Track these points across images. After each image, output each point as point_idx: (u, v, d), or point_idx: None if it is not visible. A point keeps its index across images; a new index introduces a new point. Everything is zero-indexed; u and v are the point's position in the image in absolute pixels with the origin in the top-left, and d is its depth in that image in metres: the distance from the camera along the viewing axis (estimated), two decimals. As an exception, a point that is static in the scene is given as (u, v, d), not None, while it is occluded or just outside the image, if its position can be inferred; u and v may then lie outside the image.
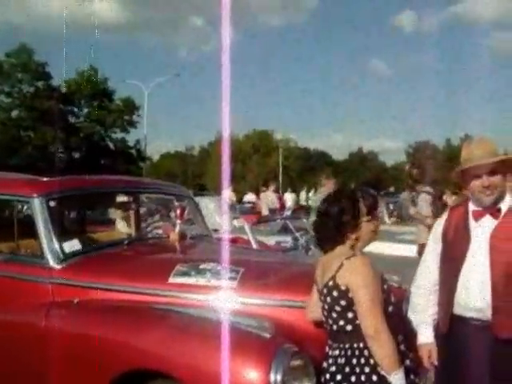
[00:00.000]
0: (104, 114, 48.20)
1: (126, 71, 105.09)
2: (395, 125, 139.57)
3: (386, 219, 13.97)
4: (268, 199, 22.49)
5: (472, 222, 3.31)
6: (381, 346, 2.82)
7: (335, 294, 2.95)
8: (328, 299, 3.00)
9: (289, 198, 26.85)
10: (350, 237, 3.06)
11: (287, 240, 9.16)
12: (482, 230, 3.25)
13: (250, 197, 27.05)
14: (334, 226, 3.06)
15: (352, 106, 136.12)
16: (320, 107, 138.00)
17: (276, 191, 24.49)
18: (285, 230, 10.06)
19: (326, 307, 3.04)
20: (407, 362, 3.04)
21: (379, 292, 2.92)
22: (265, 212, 20.48)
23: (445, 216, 3.54)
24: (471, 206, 3.36)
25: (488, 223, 3.25)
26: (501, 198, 3.26)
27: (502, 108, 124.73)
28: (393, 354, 2.83)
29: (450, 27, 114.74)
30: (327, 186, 10.30)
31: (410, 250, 8.84)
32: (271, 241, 9.07)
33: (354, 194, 3.14)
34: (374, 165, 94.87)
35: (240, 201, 27.25)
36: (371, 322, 2.84)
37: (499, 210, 3.25)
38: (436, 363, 3.42)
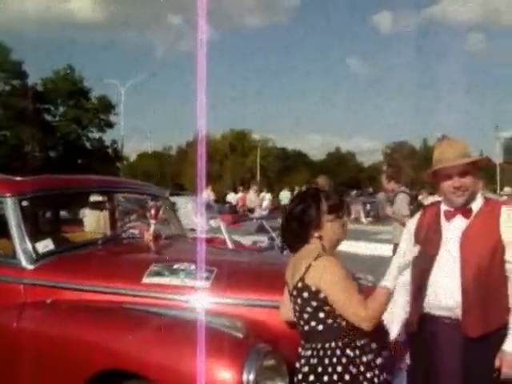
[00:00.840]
0: (80, 113, 47.82)
1: (102, 70, 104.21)
2: (373, 125, 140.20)
3: (363, 219, 14.01)
4: (250, 199, 22.57)
5: (444, 222, 3.34)
6: (376, 311, 2.93)
7: (306, 295, 2.96)
8: (299, 300, 3.01)
9: (266, 197, 26.87)
10: (313, 235, 3.08)
11: (263, 240, 9.18)
12: (453, 230, 3.28)
13: (231, 197, 27.05)
14: (297, 225, 3.09)
15: (330, 106, 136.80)
16: (298, 107, 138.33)
17: (257, 191, 24.56)
18: (261, 229, 10.08)
19: (297, 308, 3.05)
20: (380, 359, 3.05)
21: (352, 285, 2.96)
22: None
23: (417, 215, 3.57)
24: (443, 206, 3.40)
25: (459, 223, 3.28)
26: (472, 198, 3.30)
27: (478, 108, 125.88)
28: (380, 312, 2.96)
29: (426, 28, 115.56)
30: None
31: (386, 250, 8.89)
32: (248, 240, 9.07)
33: (316, 194, 3.17)
34: (351, 165, 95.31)
35: (223, 200, 27.28)
36: (354, 319, 2.89)
37: (470, 210, 3.28)
38: (408, 362, 3.45)
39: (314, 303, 2.94)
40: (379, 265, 3.75)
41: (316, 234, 3.08)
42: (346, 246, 7.10)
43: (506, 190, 14.81)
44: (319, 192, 3.19)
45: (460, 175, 3.22)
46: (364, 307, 2.89)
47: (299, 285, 2.98)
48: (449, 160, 3.25)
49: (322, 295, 2.92)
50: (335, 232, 3.13)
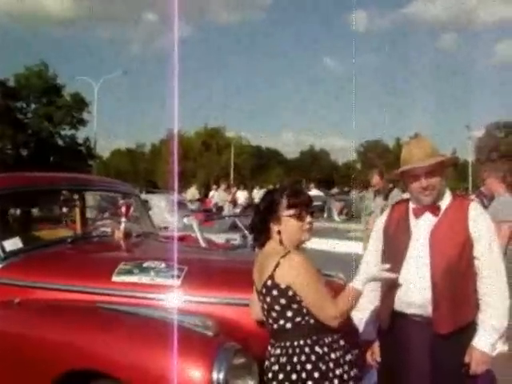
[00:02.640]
0: (53, 110, 47.30)
1: (75, 67, 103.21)
2: (346, 124, 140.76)
3: (336, 217, 14.06)
4: (220, 197, 22.54)
5: (412, 219, 3.36)
6: (344, 310, 2.96)
7: (275, 293, 2.96)
8: (267, 299, 3.01)
9: (240, 195, 26.87)
10: (272, 228, 3.09)
11: (236, 238, 9.18)
12: (422, 227, 3.30)
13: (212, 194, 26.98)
14: (259, 219, 3.15)
15: (304, 104, 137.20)
16: (272, 105, 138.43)
17: (227, 189, 24.51)
18: (234, 227, 10.08)
19: (266, 307, 3.05)
20: (349, 356, 3.06)
21: (321, 282, 2.99)
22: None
23: (386, 213, 3.59)
24: (412, 204, 3.42)
25: (428, 220, 3.30)
26: (440, 196, 3.32)
27: (451, 107, 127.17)
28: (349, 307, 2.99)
29: (400, 28, 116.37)
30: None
31: (358, 248, 8.92)
32: (221, 238, 9.07)
33: (280, 190, 3.21)
34: (325, 163, 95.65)
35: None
36: (323, 315, 2.92)
37: (439, 208, 3.31)
38: (379, 360, 3.46)
39: (283, 301, 2.94)
40: (351, 262, 3.75)
41: (275, 228, 3.08)
42: (319, 244, 7.13)
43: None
44: (284, 189, 3.21)
45: (427, 175, 3.24)
46: (333, 305, 2.91)
47: (268, 283, 2.98)
48: (416, 160, 3.27)
49: (290, 293, 2.92)
50: (294, 229, 3.10)
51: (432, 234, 3.25)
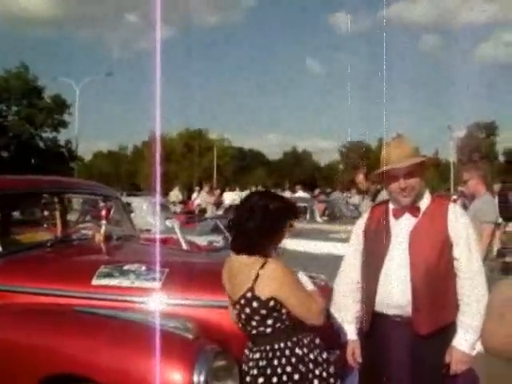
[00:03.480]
0: (33, 113, 46.97)
1: (56, 69, 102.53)
2: (329, 124, 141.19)
3: (318, 218, 14.05)
4: (203, 199, 22.50)
5: (392, 220, 3.37)
6: (322, 303, 3.01)
7: (255, 304, 2.95)
8: (247, 310, 2.99)
9: (228, 196, 26.81)
10: (275, 242, 3.07)
11: (218, 240, 9.15)
12: (401, 228, 3.32)
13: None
14: (262, 237, 3.01)
15: (286, 105, 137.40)
16: (254, 106, 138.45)
17: (210, 191, 24.50)
18: (217, 229, 10.05)
19: (244, 316, 3.03)
20: (325, 354, 3.07)
21: (300, 287, 2.99)
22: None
23: (366, 214, 3.60)
24: (391, 205, 3.43)
25: (408, 221, 3.32)
26: (419, 197, 3.34)
27: (433, 108, 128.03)
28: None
29: (382, 28, 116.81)
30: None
31: (340, 249, 8.91)
32: (203, 240, 9.03)
33: (286, 208, 3.12)
34: (307, 164, 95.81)
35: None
36: (309, 316, 2.96)
37: (418, 209, 3.32)
38: (360, 360, 3.47)
39: (263, 311, 2.94)
40: (333, 263, 3.75)
41: (278, 243, 3.09)
42: (301, 245, 7.11)
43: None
44: (287, 205, 3.14)
45: (406, 176, 3.26)
46: (314, 301, 2.95)
47: (248, 295, 2.96)
48: (394, 161, 3.28)
49: (272, 303, 2.92)
50: (283, 238, 3.12)
51: (411, 234, 3.26)
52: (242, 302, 2.99)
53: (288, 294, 2.91)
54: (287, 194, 25.71)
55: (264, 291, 2.91)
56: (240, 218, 3.07)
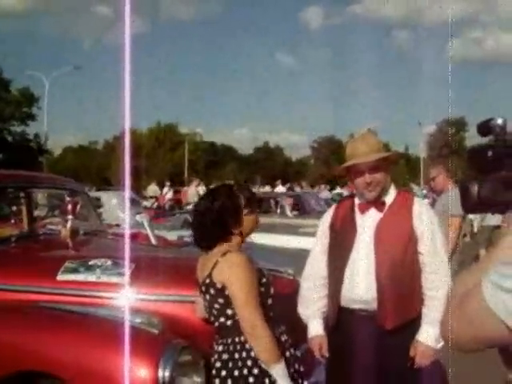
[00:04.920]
0: (1, 106, 46.29)
1: (25, 61, 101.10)
2: (300, 120, 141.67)
3: (288, 213, 14.08)
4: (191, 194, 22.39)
5: (358, 215, 3.39)
6: (258, 341, 2.84)
7: (212, 291, 2.94)
8: (207, 297, 2.99)
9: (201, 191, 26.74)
10: (234, 233, 3.04)
11: (188, 234, 9.13)
12: (367, 223, 3.34)
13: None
14: (217, 224, 3.00)
15: (258, 100, 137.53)
16: (225, 101, 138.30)
17: (199, 186, 24.37)
18: (187, 224, 10.03)
19: (206, 304, 3.04)
20: (292, 351, 3.07)
21: (254, 287, 2.92)
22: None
23: (332, 209, 3.61)
24: (357, 200, 3.44)
25: (373, 216, 3.34)
26: (384, 192, 3.36)
27: (404, 104, 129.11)
28: (271, 347, 2.83)
29: (353, 24, 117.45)
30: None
31: (309, 243, 8.95)
32: (173, 235, 9.01)
33: (231, 189, 3.13)
34: (279, 159, 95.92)
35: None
36: (247, 317, 2.85)
37: (383, 203, 3.34)
38: (326, 355, 3.48)
39: (221, 300, 2.93)
40: (303, 258, 3.76)
41: (237, 231, 3.05)
42: (271, 240, 7.11)
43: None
44: (232, 187, 3.16)
45: (371, 171, 3.27)
46: (253, 323, 2.84)
47: (207, 281, 2.96)
48: (360, 156, 3.29)
49: (227, 292, 2.90)
50: (251, 227, 3.11)
51: (377, 229, 3.29)
52: (203, 288, 2.99)
53: (236, 288, 2.87)
54: (267, 189, 25.73)
55: (219, 278, 2.90)
56: (195, 213, 3.17)
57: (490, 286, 1.18)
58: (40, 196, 6.89)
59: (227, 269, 2.89)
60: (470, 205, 1.49)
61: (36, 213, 6.11)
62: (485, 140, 1.50)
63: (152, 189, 26.79)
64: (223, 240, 3.02)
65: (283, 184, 29.91)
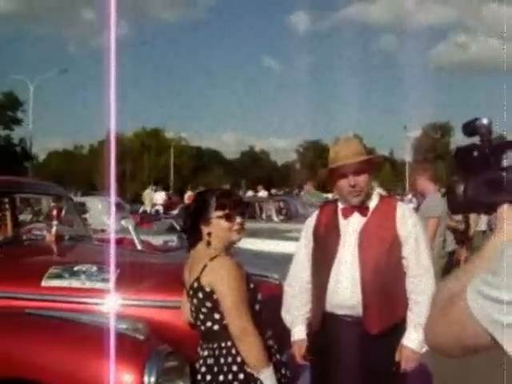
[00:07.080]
0: (-15, 110, 46.10)
1: (9, 65, 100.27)
2: (286, 124, 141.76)
3: (275, 217, 14.11)
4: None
5: (341, 220, 3.39)
6: (247, 345, 2.84)
7: (200, 295, 2.94)
8: (194, 301, 2.99)
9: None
10: (203, 230, 3.06)
11: (174, 239, 9.12)
12: (351, 228, 3.34)
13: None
14: (190, 220, 3.14)
15: (244, 104, 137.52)
16: (212, 106, 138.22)
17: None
18: (172, 229, 10.03)
19: (193, 309, 3.03)
20: (277, 356, 3.07)
21: (244, 292, 2.92)
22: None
23: (315, 214, 3.62)
24: (340, 204, 3.45)
25: (357, 221, 3.34)
26: (368, 197, 3.37)
27: (390, 108, 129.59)
28: (259, 353, 2.84)
29: (340, 28, 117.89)
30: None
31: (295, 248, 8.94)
32: (159, 240, 8.99)
33: (209, 191, 3.24)
34: (265, 164, 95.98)
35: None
36: (237, 322, 2.85)
37: (367, 208, 3.35)
38: (307, 358, 3.48)
39: (209, 304, 2.92)
40: (287, 263, 3.76)
41: (206, 230, 3.05)
42: (257, 244, 7.11)
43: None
44: (214, 191, 3.20)
45: (355, 173, 3.27)
46: (242, 328, 2.85)
47: (195, 285, 2.95)
48: (343, 158, 3.30)
49: (215, 296, 2.90)
50: (224, 230, 3.06)
51: (361, 234, 3.29)
52: (191, 292, 2.99)
53: (225, 292, 2.87)
54: (250, 194, 25.73)
55: (207, 282, 2.90)
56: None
57: (475, 294, 1.18)
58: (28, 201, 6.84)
59: (216, 273, 2.89)
60: (456, 205, 1.50)
61: (21, 218, 6.08)
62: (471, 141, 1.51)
63: (148, 194, 26.71)
64: (196, 238, 3.11)
65: (268, 189, 29.91)
